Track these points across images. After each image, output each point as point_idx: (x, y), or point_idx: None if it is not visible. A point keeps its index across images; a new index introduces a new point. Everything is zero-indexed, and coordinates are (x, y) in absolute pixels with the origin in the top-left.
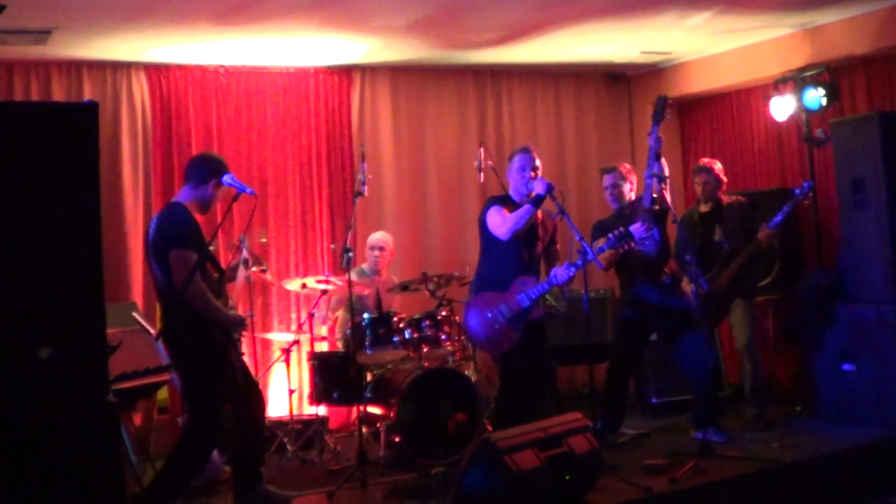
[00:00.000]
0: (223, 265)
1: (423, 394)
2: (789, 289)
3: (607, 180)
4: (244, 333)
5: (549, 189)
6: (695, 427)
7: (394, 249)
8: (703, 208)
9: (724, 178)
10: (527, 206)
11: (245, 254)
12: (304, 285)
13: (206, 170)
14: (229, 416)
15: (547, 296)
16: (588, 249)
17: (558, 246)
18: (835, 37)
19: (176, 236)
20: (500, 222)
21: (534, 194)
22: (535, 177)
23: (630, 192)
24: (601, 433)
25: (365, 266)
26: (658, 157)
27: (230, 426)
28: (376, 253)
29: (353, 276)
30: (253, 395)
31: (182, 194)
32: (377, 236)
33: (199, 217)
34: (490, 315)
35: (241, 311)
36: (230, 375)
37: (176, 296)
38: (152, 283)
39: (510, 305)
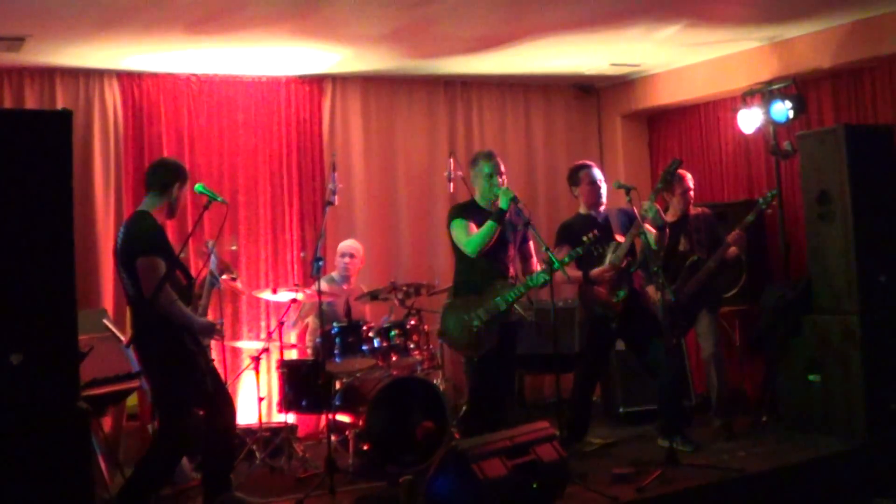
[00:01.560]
0: (193, 273)
1: (391, 402)
2: (756, 299)
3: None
4: (215, 339)
5: (514, 201)
6: (661, 435)
7: (364, 257)
8: (670, 218)
9: (693, 188)
10: (490, 224)
11: (213, 260)
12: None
13: (166, 176)
14: (199, 423)
15: (515, 304)
16: (555, 260)
17: (531, 243)
18: (801, 50)
19: (142, 244)
20: (466, 241)
21: (494, 209)
22: (503, 183)
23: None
24: (568, 442)
25: (335, 274)
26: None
27: (200, 433)
28: (346, 260)
29: (323, 284)
30: (223, 402)
31: (146, 202)
32: (347, 243)
33: (168, 224)
34: (467, 317)
35: (211, 318)
36: (201, 381)
37: (145, 302)
38: (122, 290)
39: (487, 308)
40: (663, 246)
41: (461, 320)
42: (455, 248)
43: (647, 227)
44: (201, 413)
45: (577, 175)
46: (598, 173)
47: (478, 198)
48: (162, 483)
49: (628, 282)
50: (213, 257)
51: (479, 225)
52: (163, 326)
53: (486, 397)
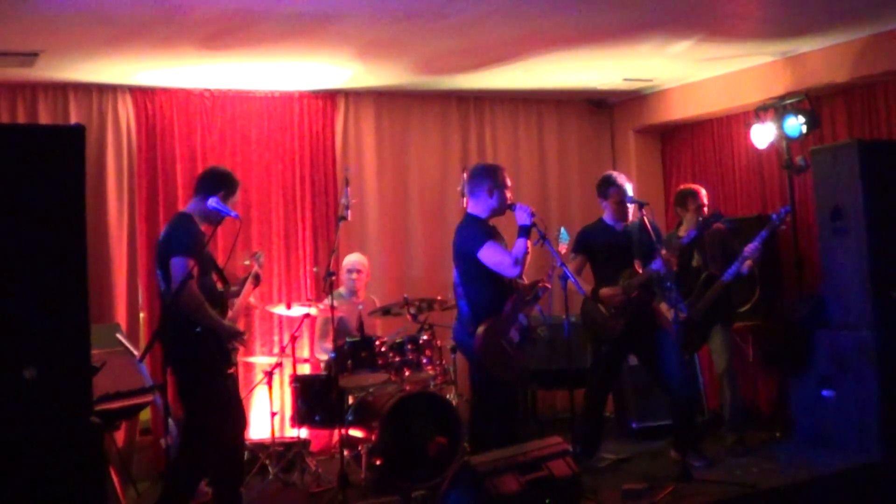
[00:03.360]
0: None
1: (404, 417)
2: (769, 314)
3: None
4: (238, 345)
5: (532, 216)
6: (675, 449)
7: (370, 270)
8: (684, 234)
9: (707, 204)
10: (522, 241)
11: (257, 268)
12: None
13: (210, 184)
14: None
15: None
16: (569, 275)
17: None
18: (815, 65)
19: (176, 244)
20: (506, 263)
21: (520, 226)
22: (510, 198)
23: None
24: (580, 457)
25: (342, 289)
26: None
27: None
28: (353, 276)
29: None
30: (236, 413)
31: (190, 205)
32: (353, 259)
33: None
34: (506, 344)
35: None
36: (219, 385)
37: (174, 301)
38: (136, 303)
39: (519, 329)
40: (672, 270)
41: (500, 348)
42: (472, 270)
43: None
44: (211, 420)
45: (608, 190)
46: (627, 190)
47: (481, 211)
48: (197, 479)
49: (634, 312)
50: (256, 267)
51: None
52: (187, 326)
53: (511, 415)
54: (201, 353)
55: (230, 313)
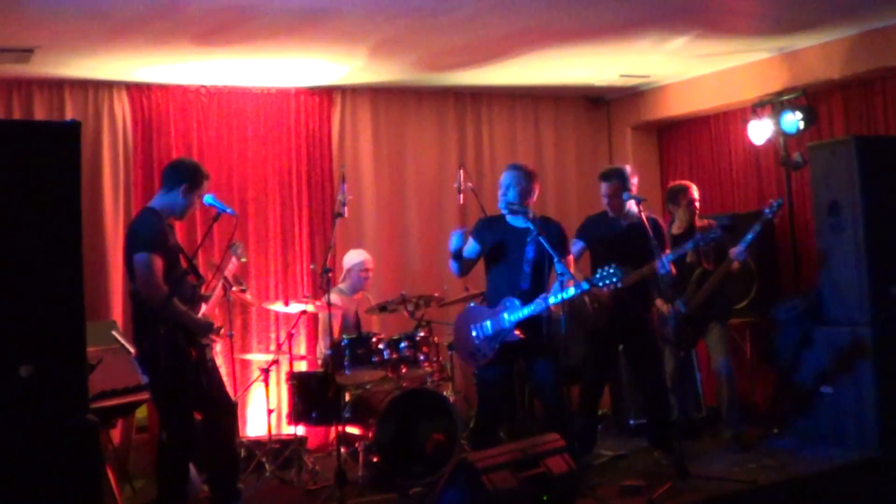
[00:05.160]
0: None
1: (401, 414)
2: (766, 311)
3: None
4: (214, 339)
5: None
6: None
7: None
8: (676, 230)
9: (698, 200)
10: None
11: (234, 261)
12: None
13: (176, 176)
14: (198, 428)
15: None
16: (565, 271)
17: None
18: (811, 61)
19: (138, 240)
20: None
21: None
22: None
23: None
24: (577, 454)
25: (343, 286)
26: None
27: (200, 438)
28: (366, 275)
29: (333, 297)
30: (222, 407)
31: (154, 199)
32: (364, 258)
33: (178, 236)
34: (473, 329)
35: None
36: (193, 380)
37: (141, 298)
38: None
39: (494, 323)
40: (672, 277)
41: (467, 330)
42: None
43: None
44: (199, 417)
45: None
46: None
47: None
48: (181, 491)
49: (620, 309)
50: (234, 259)
51: (491, 235)
52: (156, 323)
53: (487, 412)
54: (172, 348)
55: (203, 310)
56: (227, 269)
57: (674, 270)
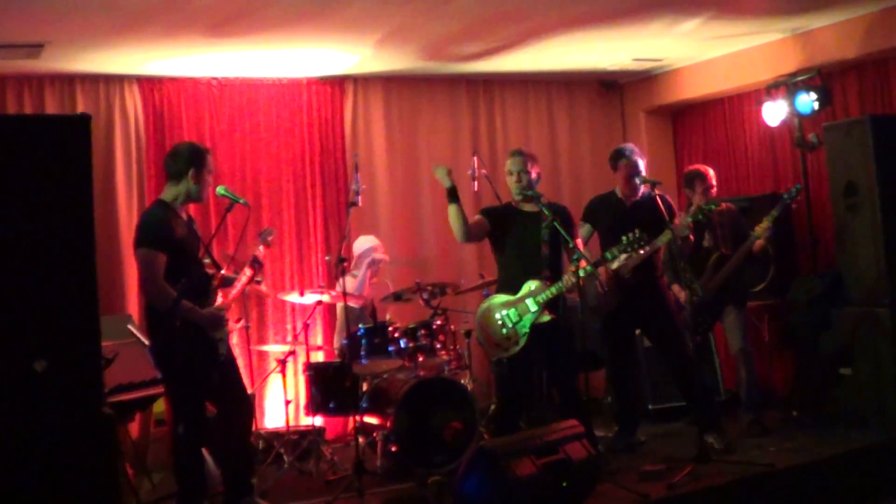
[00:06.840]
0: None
1: (419, 403)
2: (784, 293)
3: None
4: (227, 328)
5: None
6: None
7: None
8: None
9: (715, 185)
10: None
11: (258, 251)
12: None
13: (179, 165)
14: (213, 422)
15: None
16: (579, 252)
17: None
18: (825, 41)
19: (140, 234)
20: None
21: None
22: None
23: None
24: (620, 436)
25: (357, 272)
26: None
27: (214, 432)
28: (380, 265)
29: (349, 285)
30: (237, 400)
31: (165, 191)
32: (372, 244)
33: (193, 212)
34: (499, 318)
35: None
36: (203, 374)
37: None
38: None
39: (518, 309)
40: (685, 254)
41: (493, 320)
42: (491, 246)
43: (677, 221)
44: (213, 411)
45: (617, 163)
46: (639, 165)
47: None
48: (200, 483)
49: (630, 291)
50: (260, 247)
51: (504, 221)
52: (164, 317)
53: (513, 399)
54: (181, 343)
55: (222, 300)
56: (259, 254)
57: (692, 238)
